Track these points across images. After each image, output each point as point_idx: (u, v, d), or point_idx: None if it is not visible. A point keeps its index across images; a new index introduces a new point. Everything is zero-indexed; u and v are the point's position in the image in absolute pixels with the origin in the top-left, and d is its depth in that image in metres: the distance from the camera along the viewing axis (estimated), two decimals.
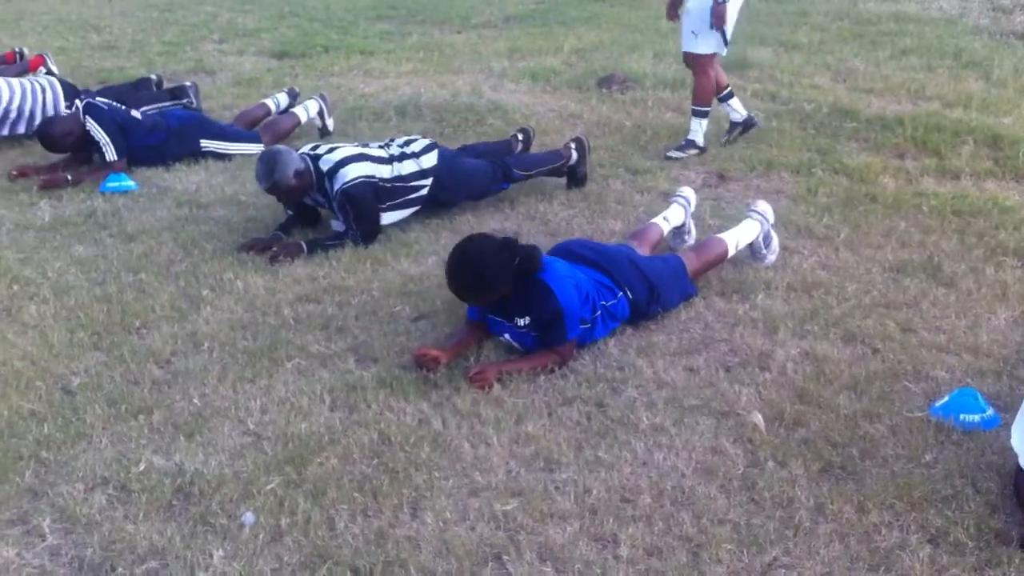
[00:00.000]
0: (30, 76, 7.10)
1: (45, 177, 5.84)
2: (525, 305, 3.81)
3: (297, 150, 5.09)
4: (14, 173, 5.96)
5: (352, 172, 4.92)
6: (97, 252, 4.96)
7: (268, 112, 6.88)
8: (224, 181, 5.99)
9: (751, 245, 4.76)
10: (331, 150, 5.04)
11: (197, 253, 4.92)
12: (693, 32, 6.29)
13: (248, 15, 11.91)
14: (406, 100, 7.80)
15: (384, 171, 5.04)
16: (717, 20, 6.11)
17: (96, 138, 5.89)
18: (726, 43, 6.30)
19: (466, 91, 8.10)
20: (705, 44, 6.30)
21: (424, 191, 5.22)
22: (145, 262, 4.83)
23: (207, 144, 6.34)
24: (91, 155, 6.19)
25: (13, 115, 6.54)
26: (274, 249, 4.90)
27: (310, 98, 6.97)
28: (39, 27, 11.19)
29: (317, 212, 5.32)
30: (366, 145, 5.24)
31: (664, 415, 3.49)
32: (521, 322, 3.84)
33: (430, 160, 5.24)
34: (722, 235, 4.70)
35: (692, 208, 5.02)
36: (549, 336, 3.81)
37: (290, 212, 5.24)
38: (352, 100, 7.77)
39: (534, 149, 6.14)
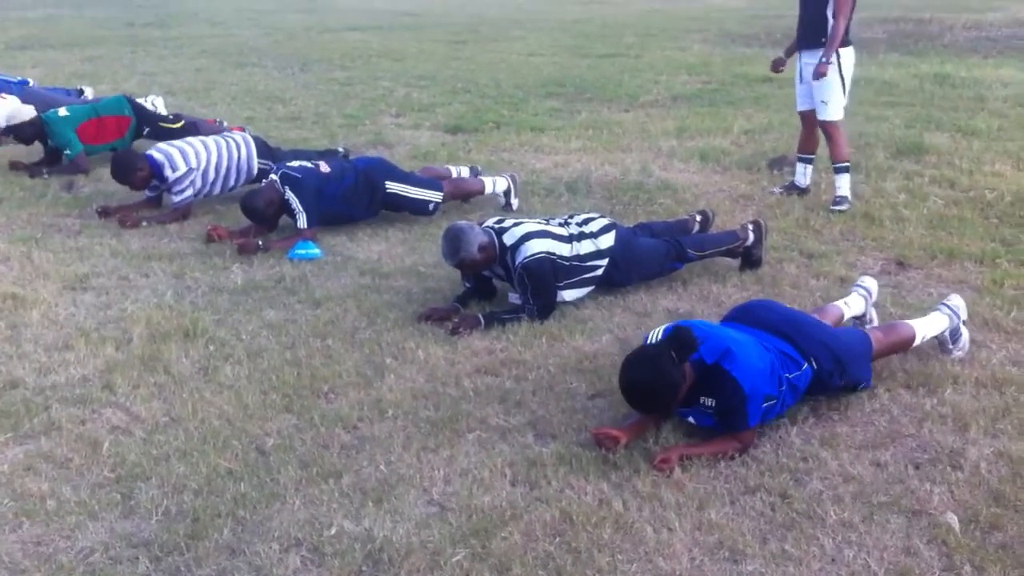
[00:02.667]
0: (224, 132, 7.51)
1: (240, 241, 6.15)
2: (710, 389, 3.78)
3: (482, 223, 5.24)
4: (211, 235, 6.30)
5: (534, 247, 5.03)
6: (286, 317, 5.18)
7: (450, 175, 7.10)
8: (404, 252, 6.20)
9: (938, 338, 4.63)
10: (515, 224, 5.18)
11: (380, 321, 5.09)
12: (824, 102, 7.01)
13: (423, 91, 12.35)
14: (576, 177, 7.93)
15: (564, 249, 5.13)
16: (818, 74, 6.83)
17: (292, 206, 6.20)
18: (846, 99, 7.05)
19: (635, 169, 8.19)
20: (835, 111, 7.02)
21: (599, 271, 5.28)
22: (331, 328, 5.02)
23: (392, 187, 6.57)
24: (278, 221, 6.50)
25: (212, 176, 6.93)
26: (454, 320, 5.03)
27: (500, 175, 7.19)
28: (228, 97, 11.86)
29: (493, 285, 5.43)
30: (548, 222, 5.35)
31: (852, 511, 3.41)
32: (708, 402, 3.81)
33: (607, 241, 5.31)
34: (911, 322, 4.60)
35: (873, 299, 4.92)
36: (730, 421, 3.78)
37: (467, 284, 5.37)
38: (524, 176, 7.91)
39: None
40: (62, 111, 8.12)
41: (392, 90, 12.45)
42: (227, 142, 7.05)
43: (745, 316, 4.20)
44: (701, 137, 9.44)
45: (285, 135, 9.31)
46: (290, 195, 6.19)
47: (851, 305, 4.78)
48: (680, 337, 3.69)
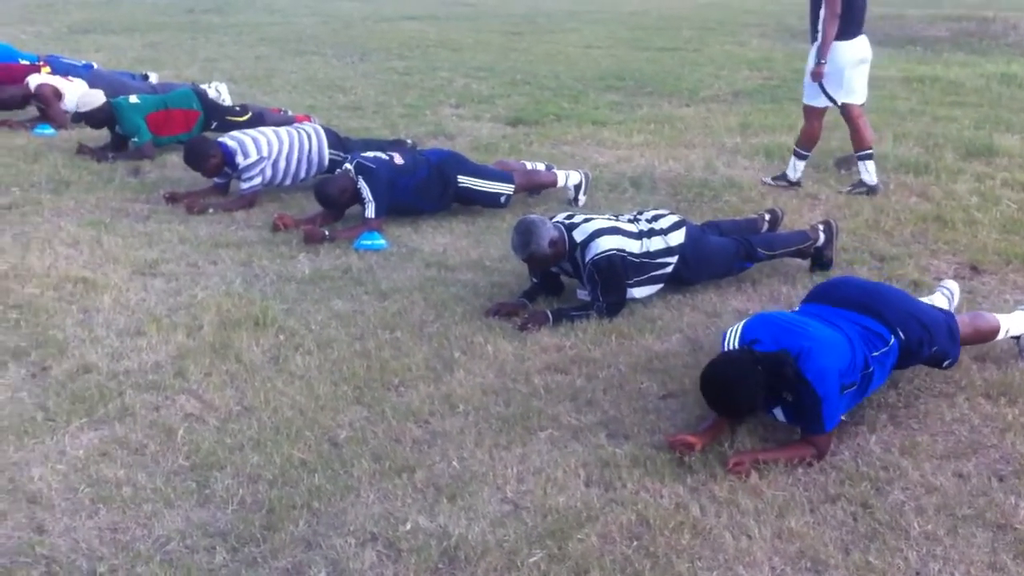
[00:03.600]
0: (296, 125, 7.53)
1: (306, 229, 6.16)
2: (787, 389, 3.71)
3: (552, 217, 5.20)
4: (277, 223, 6.31)
5: (604, 244, 4.98)
6: (354, 307, 5.17)
7: (524, 168, 7.08)
8: (469, 245, 6.18)
9: (1019, 342, 4.53)
10: (586, 220, 5.13)
11: (447, 315, 5.07)
12: (805, 86, 7.44)
13: (482, 82, 12.32)
14: (640, 172, 7.87)
15: (634, 246, 5.08)
16: (814, 76, 7.19)
17: (363, 195, 6.20)
18: (830, 99, 7.27)
19: (699, 166, 8.11)
20: (810, 98, 7.41)
21: (669, 268, 5.22)
22: (399, 320, 5.00)
23: (463, 180, 6.57)
24: (345, 211, 6.51)
25: (282, 166, 6.95)
26: (523, 316, 5.00)
27: (575, 169, 7.17)
28: (288, 86, 11.90)
29: (561, 281, 5.39)
30: (617, 218, 5.30)
31: (936, 523, 3.33)
32: (788, 396, 3.74)
33: (677, 238, 5.25)
34: (995, 314, 4.52)
35: (955, 303, 4.84)
36: (806, 422, 3.73)
37: (535, 279, 5.34)
38: (587, 169, 7.86)
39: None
40: (132, 98, 8.18)
41: (451, 80, 12.42)
42: (299, 133, 7.06)
43: (826, 295, 4.13)
44: (765, 134, 9.32)
45: (347, 124, 9.30)
46: (363, 184, 6.20)
47: (935, 303, 4.69)
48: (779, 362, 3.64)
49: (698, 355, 4.61)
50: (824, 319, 3.92)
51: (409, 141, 8.08)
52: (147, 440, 3.85)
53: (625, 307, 5.10)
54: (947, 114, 10.29)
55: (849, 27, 7.07)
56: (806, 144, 7.55)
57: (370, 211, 6.20)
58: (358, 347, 4.68)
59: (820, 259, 5.71)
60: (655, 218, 5.36)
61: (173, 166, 7.79)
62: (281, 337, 4.78)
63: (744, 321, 3.98)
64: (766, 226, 5.94)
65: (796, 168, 7.55)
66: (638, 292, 5.17)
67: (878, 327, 3.91)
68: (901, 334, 3.94)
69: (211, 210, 6.70)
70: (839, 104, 7.28)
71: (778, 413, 3.86)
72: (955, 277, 5.65)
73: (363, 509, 3.41)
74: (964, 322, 4.28)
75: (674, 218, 5.40)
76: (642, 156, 8.49)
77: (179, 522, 3.36)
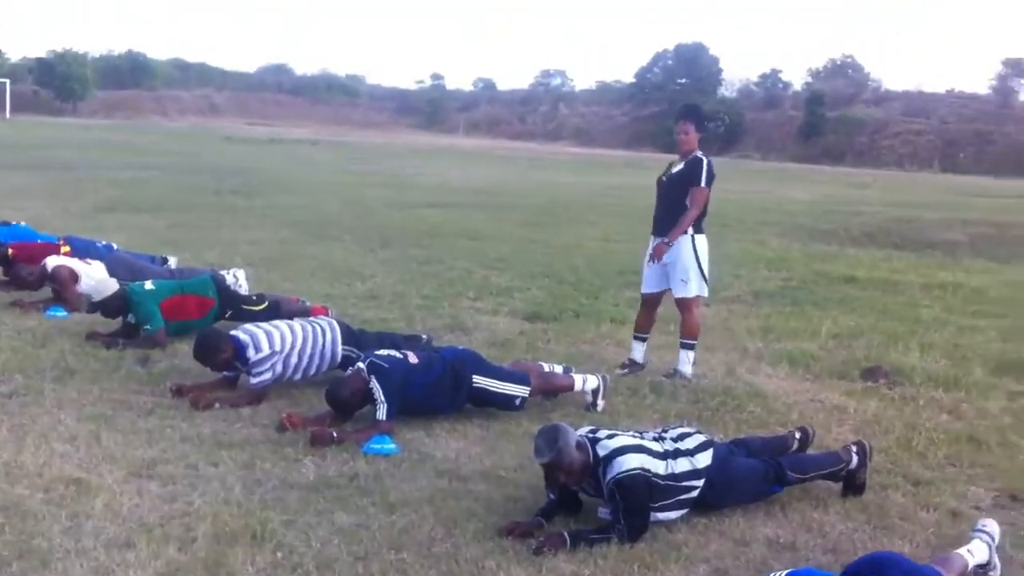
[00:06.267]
0: (311, 318, 7.38)
1: (314, 430, 5.91)
2: None
3: (576, 429, 4.95)
4: (284, 423, 6.07)
5: (629, 463, 4.73)
6: (359, 521, 4.86)
7: (541, 368, 6.89)
8: (483, 451, 5.90)
9: (984, 568, 4.37)
10: (610, 436, 4.90)
11: (458, 533, 4.76)
12: (683, 280, 7.61)
13: (501, 273, 12.30)
14: (661, 377, 7.65)
15: (659, 467, 4.83)
16: (658, 253, 7.61)
17: (375, 396, 5.98)
18: (706, 284, 7.70)
19: (721, 372, 7.92)
20: (695, 288, 7.63)
21: (695, 492, 4.95)
22: (406, 539, 4.68)
23: (479, 380, 6.38)
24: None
25: (294, 361, 6.78)
26: (539, 538, 4.68)
27: (591, 373, 6.97)
28: (307, 272, 11.83)
29: (579, 499, 5.10)
30: (642, 435, 5.07)
31: None
32: None
33: (704, 459, 4.99)
34: (958, 552, 4.34)
35: (996, 543, 4.54)
36: None
37: (552, 495, 5.04)
38: (604, 372, 7.66)
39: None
40: (148, 284, 8.08)
41: (470, 271, 12.40)
42: (312, 327, 6.93)
43: (870, 572, 3.80)
44: (788, 339, 9.16)
45: (363, 315, 9.19)
46: (375, 384, 5.99)
47: (975, 553, 4.41)
48: None
49: None
50: None
51: (424, 336, 7.95)
52: None
53: (647, 531, 4.79)
54: (972, 324, 10.15)
55: (702, 223, 7.62)
56: (693, 335, 7.71)
57: (381, 413, 5.96)
58: (360, 569, 4.35)
59: (853, 482, 5.44)
60: (681, 437, 5.12)
61: (183, 356, 7.58)
62: (279, 555, 4.45)
63: (789, 571, 3.67)
64: (796, 444, 5.69)
65: (687, 360, 7.69)
66: (663, 516, 4.87)
67: None
68: None
69: (217, 405, 6.46)
70: (694, 295, 7.62)
71: None
72: (994, 506, 5.41)
73: None
74: None
75: (701, 438, 5.16)
76: (662, 359, 8.30)
77: None
